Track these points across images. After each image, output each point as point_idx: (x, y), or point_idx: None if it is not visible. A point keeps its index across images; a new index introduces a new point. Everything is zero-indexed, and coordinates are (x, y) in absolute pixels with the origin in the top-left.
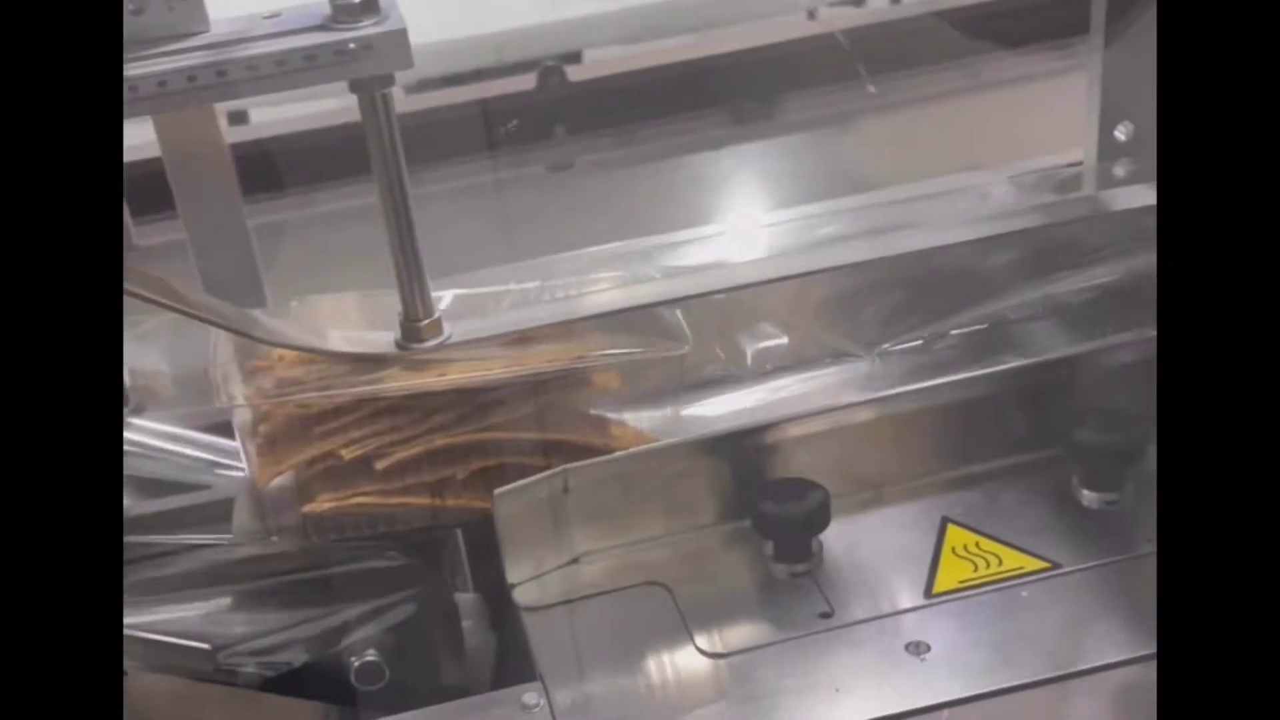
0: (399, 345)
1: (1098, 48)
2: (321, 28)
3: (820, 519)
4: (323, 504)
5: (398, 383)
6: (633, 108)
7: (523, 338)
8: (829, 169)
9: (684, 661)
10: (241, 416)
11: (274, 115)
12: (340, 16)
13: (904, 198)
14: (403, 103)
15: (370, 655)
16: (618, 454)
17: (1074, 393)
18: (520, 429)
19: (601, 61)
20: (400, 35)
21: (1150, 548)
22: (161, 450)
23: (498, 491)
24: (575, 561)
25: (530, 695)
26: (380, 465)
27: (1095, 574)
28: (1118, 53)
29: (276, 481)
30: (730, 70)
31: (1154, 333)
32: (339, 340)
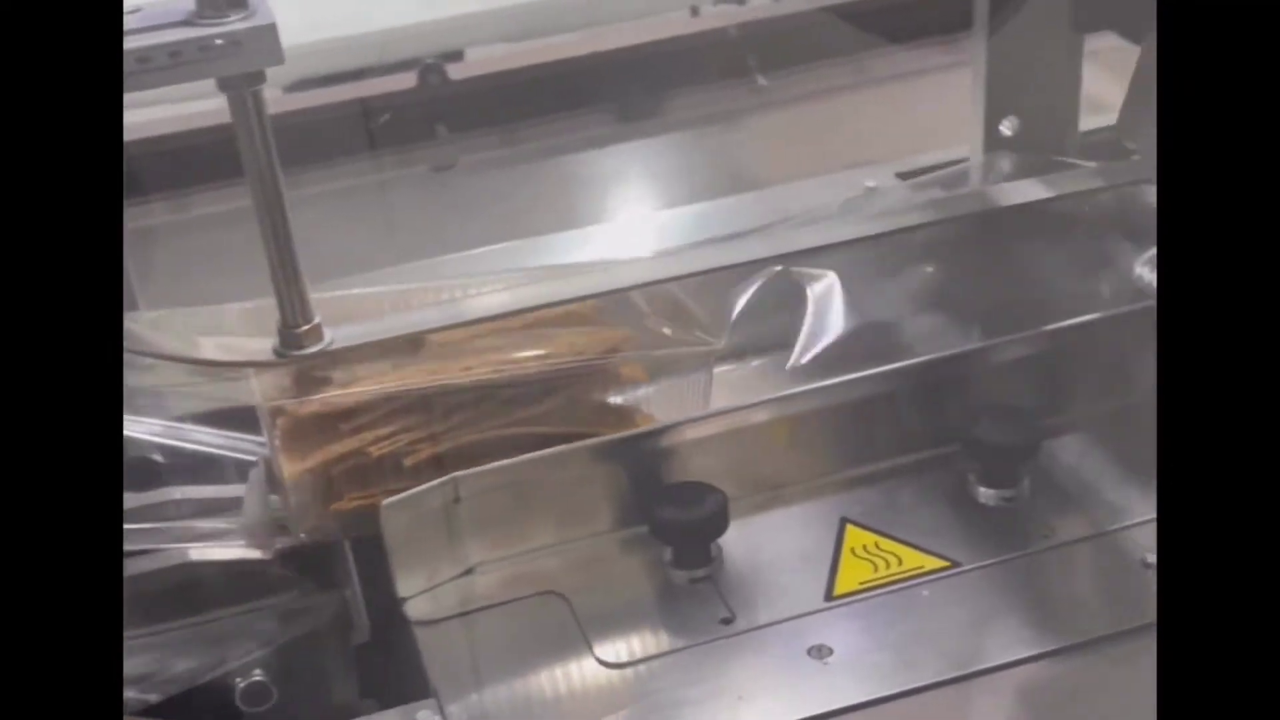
0: (277, 353)
1: (981, 43)
2: (186, 23)
3: (719, 523)
4: (351, 502)
5: (423, 379)
6: (516, 106)
7: (538, 326)
8: (716, 167)
9: (583, 672)
10: (266, 410)
11: (144, 117)
12: (205, 11)
13: (792, 195)
14: (281, 102)
15: (257, 676)
16: (509, 461)
17: (969, 390)
18: (546, 423)
19: (483, 59)
20: (269, 30)
21: (1046, 543)
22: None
23: (385, 502)
24: (469, 573)
25: (424, 713)
26: (409, 462)
27: (994, 571)
28: (1001, 48)
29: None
30: (614, 67)
31: (1045, 328)
32: (212, 349)
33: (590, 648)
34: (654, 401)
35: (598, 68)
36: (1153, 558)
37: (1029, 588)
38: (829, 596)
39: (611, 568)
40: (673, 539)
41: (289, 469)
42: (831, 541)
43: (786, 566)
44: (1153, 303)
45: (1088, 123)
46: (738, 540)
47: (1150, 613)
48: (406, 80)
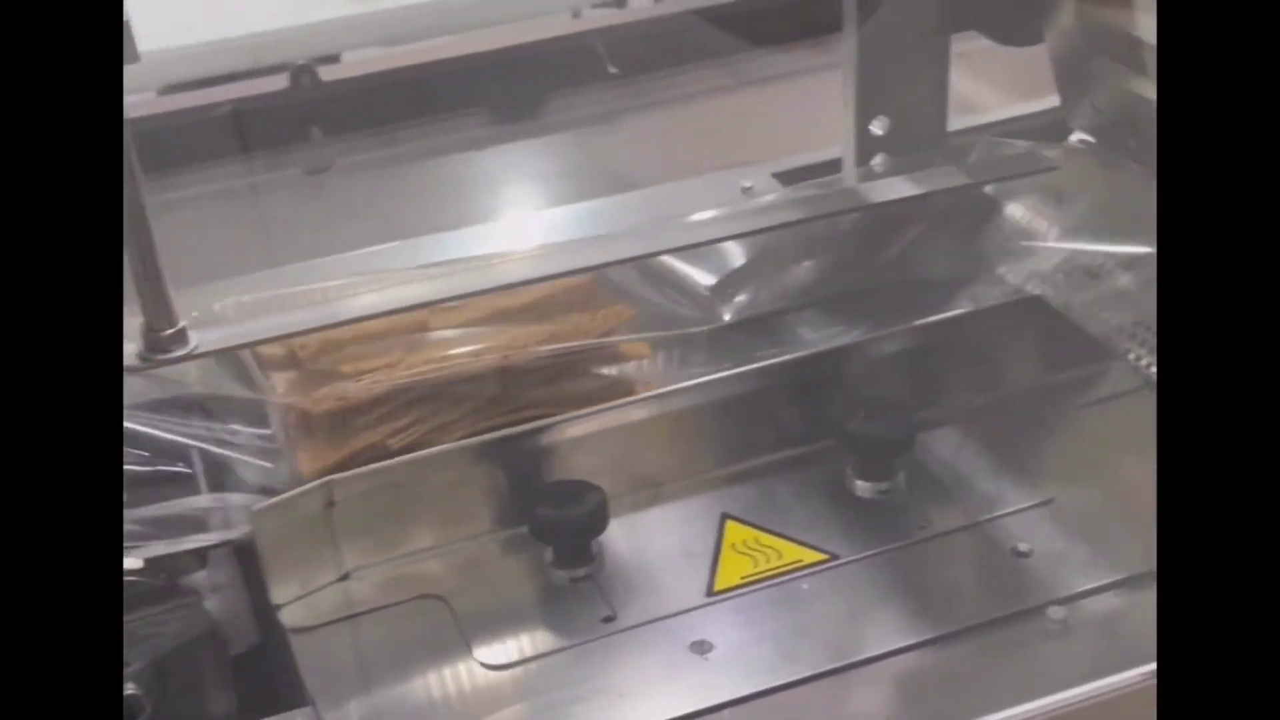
0: (141, 357)
1: (850, 44)
2: None
3: (599, 521)
4: None
5: (434, 367)
6: (392, 107)
7: (540, 308)
8: (593, 168)
9: (464, 675)
10: (278, 408)
11: None
12: None
13: (669, 195)
14: (153, 105)
15: (130, 689)
16: (384, 463)
17: (844, 384)
18: (557, 403)
19: (358, 61)
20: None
21: (922, 534)
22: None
23: (256, 507)
24: (345, 578)
25: None
26: None
27: (872, 563)
28: (869, 49)
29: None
30: (492, 69)
31: (917, 322)
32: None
33: (470, 650)
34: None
35: (474, 69)
36: (1024, 546)
37: (906, 578)
38: (710, 592)
39: (492, 569)
40: (552, 539)
41: (308, 466)
42: (712, 537)
43: (668, 563)
44: (1023, 295)
45: (958, 123)
46: (619, 538)
47: (1022, 599)
48: (278, 82)
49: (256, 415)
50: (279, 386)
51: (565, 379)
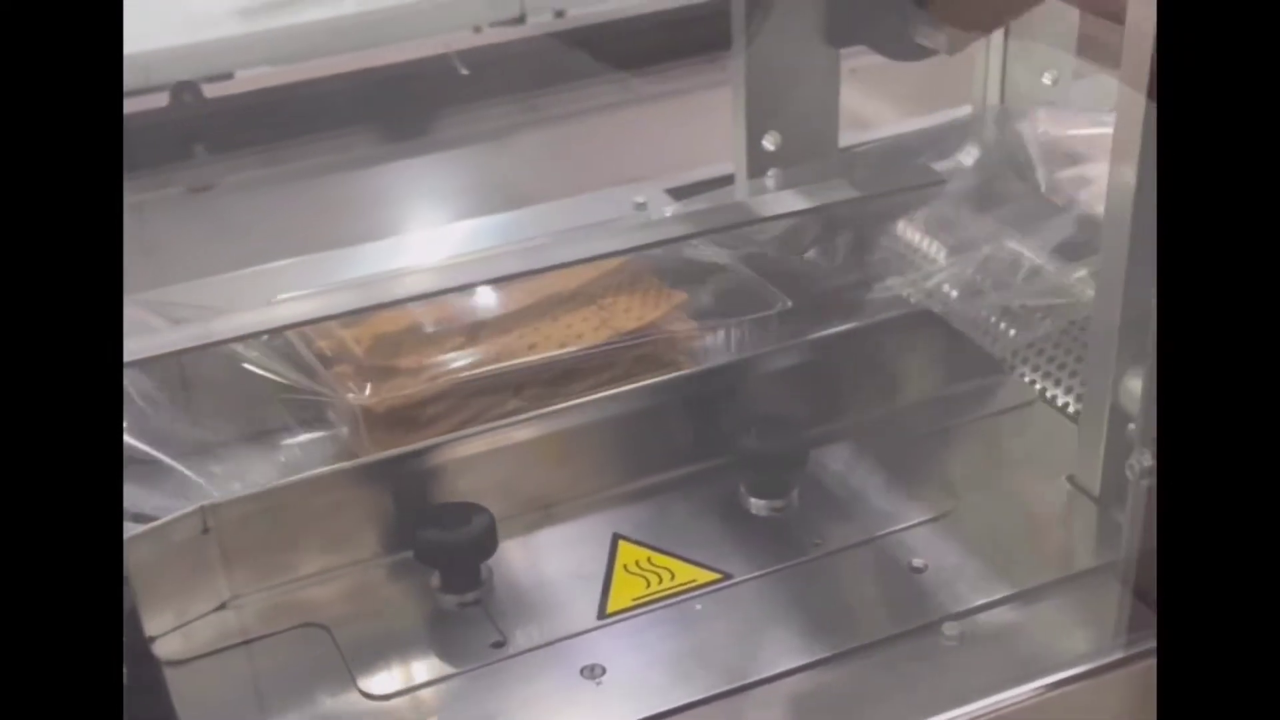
0: None
1: (739, 59)
2: None
3: (487, 543)
4: None
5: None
6: (278, 125)
7: (589, 292)
8: (485, 185)
9: (347, 706)
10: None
11: None
12: None
13: (563, 211)
14: None
15: None
16: (261, 488)
17: (738, 400)
18: (612, 388)
19: (242, 78)
20: None
21: (816, 551)
22: None
23: (128, 536)
24: (223, 607)
25: None
26: None
27: (766, 582)
28: (758, 64)
29: None
30: (381, 86)
31: (809, 337)
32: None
33: (354, 680)
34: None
35: (363, 86)
36: (919, 561)
37: (801, 596)
38: (602, 614)
39: (377, 595)
40: (439, 562)
41: None
42: (604, 558)
43: (559, 586)
44: (916, 309)
45: (853, 138)
46: (509, 561)
47: (917, 615)
48: (158, 99)
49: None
50: (338, 381)
51: (619, 363)
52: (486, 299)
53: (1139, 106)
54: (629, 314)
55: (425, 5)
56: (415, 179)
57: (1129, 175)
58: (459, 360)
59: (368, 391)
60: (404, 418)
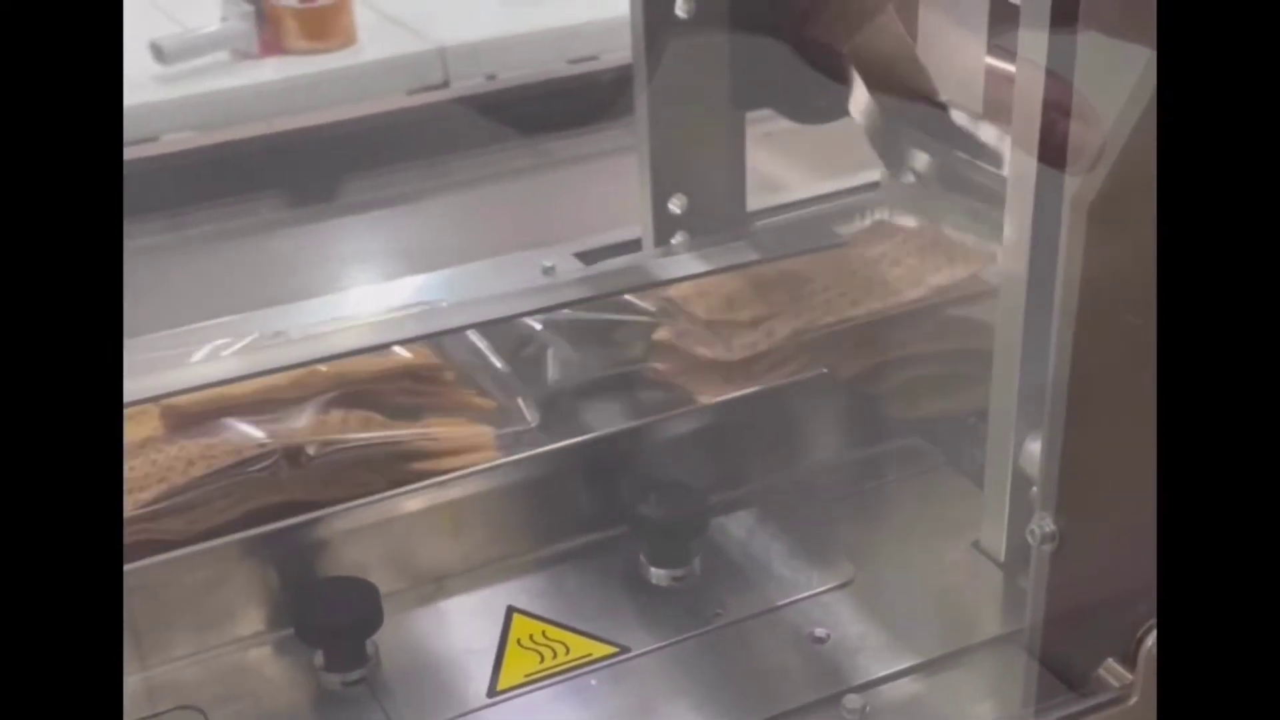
0: None
1: (644, 123)
2: None
3: (371, 620)
4: None
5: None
6: (181, 189)
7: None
8: (391, 250)
9: None
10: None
11: None
12: None
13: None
14: None
15: None
16: (133, 564)
17: (636, 467)
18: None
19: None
20: None
21: (717, 621)
22: None
23: None
24: None
25: None
26: None
27: (664, 654)
28: (663, 127)
29: None
30: (286, 151)
31: (708, 401)
32: None
33: None
34: None
35: (267, 150)
36: (821, 631)
37: (699, 669)
38: (492, 692)
39: (257, 675)
40: (321, 640)
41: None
42: (497, 633)
43: (448, 662)
44: (813, 373)
45: (764, 201)
46: (397, 637)
47: (818, 688)
48: None
49: None
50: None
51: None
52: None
53: (1029, 182)
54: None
55: (351, 72)
56: (321, 244)
57: (1023, 242)
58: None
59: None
60: (744, 369)
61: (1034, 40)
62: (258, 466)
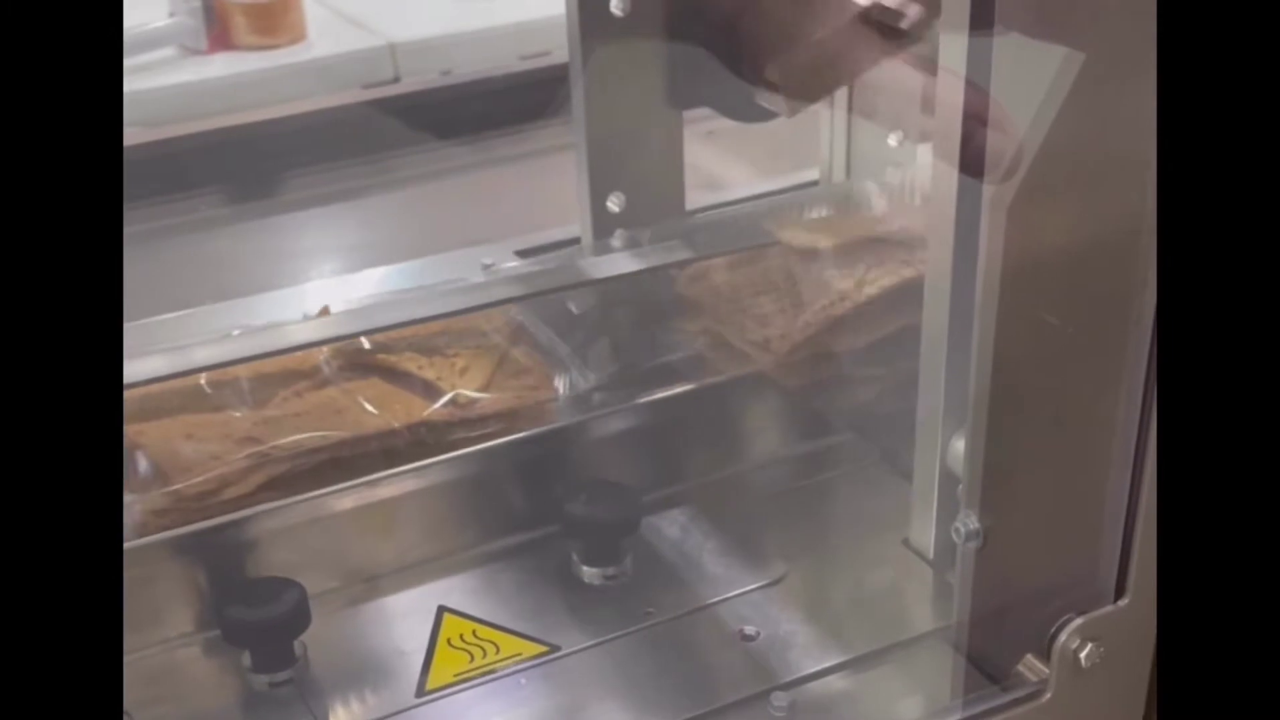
0: None
1: (581, 121)
2: None
3: (299, 620)
4: None
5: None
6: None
7: None
8: (333, 246)
9: None
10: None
11: None
12: None
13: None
14: None
15: None
16: None
17: (569, 465)
18: None
19: None
20: None
21: (647, 620)
22: None
23: None
24: None
25: None
26: None
27: (594, 653)
28: (600, 125)
29: None
30: (223, 147)
31: (641, 400)
32: None
33: None
34: None
35: (205, 148)
36: (751, 629)
37: (629, 667)
38: (420, 692)
39: (183, 677)
40: (247, 641)
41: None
42: (427, 632)
43: (377, 663)
44: (746, 371)
45: (701, 200)
46: (326, 638)
47: (746, 685)
48: None
49: None
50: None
51: None
52: None
53: (950, 183)
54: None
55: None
56: (261, 240)
57: (945, 242)
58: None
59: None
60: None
61: (953, 44)
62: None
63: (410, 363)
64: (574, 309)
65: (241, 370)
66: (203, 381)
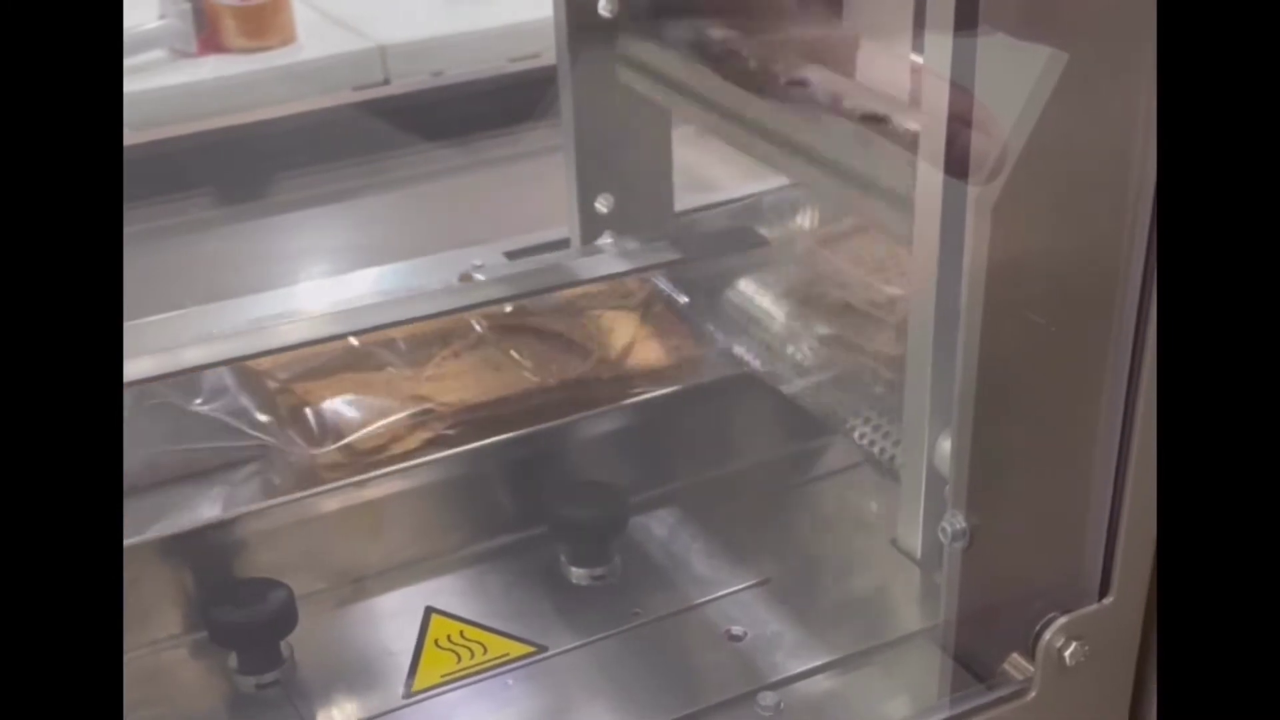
0: None
1: (569, 122)
2: None
3: (285, 621)
4: None
5: None
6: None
7: None
8: (323, 248)
9: None
10: None
11: None
12: None
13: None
14: None
15: None
16: None
17: (557, 466)
18: None
19: None
20: None
21: (635, 621)
22: None
23: None
24: None
25: None
26: None
27: (581, 654)
28: (589, 127)
29: None
30: (213, 149)
31: (628, 401)
32: None
33: None
34: None
35: (195, 150)
36: (738, 629)
37: (616, 668)
38: (408, 693)
39: (170, 679)
40: (234, 642)
41: None
42: (414, 633)
43: (365, 664)
44: (740, 372)
45: (689, 201)
46: (313, 639)
47: (733, 685)
48: None
49: None
50: None
51: None
52: None
53: (935, 184)
54: None
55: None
56: (250, 242)
57: (931, 242)
58: None
59: None
60: None
61: (938, 44)
62: None
63: (559, 323)
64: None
65: (396, 332)
66: (355, 343)
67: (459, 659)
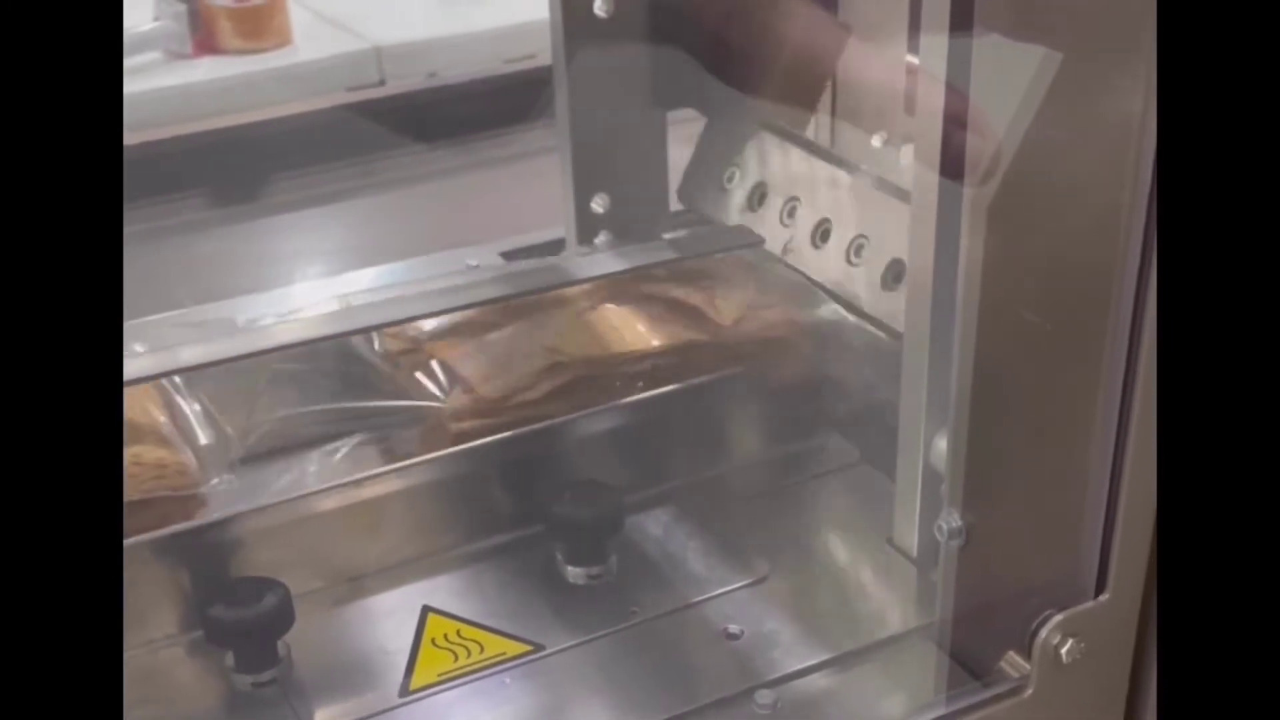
0: None
1: (564, 122)
2: None
3: (282, 620)
4: None
5: None
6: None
7: None
8: (318, 249)
9: None
10: None
11: None
12: None
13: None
14: None
15: None
16: None
17: (554, 465)
18: None
19: None
20: None
21: (632, 619)
22: None
23: None
24: None
25: None
26: None
27: (578, 652)
28: (584, 127)
29: None
30: (209, 151)
31: (625, 400)
32: None
33: None
34: None
35: (190, 151)
36: (735, 627)
37: (613, 667)
38: (404, 692)
39: (167, 678)
40: (230, 641)
41: None
42: (411, 632)
43: (361, 663)
44: (731, 371)
45: None
46: (310, 638)
47: (730, 683)
48: None
49: None
50: None
51: None
52: None
53: (931, 184)
54: None
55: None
56: (246, 243)
57: (927, 242)
58: None
59: None
60: None
61: (933, 45)
62: None
63: (677, 290)
64: None
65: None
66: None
67: (456, 658)
